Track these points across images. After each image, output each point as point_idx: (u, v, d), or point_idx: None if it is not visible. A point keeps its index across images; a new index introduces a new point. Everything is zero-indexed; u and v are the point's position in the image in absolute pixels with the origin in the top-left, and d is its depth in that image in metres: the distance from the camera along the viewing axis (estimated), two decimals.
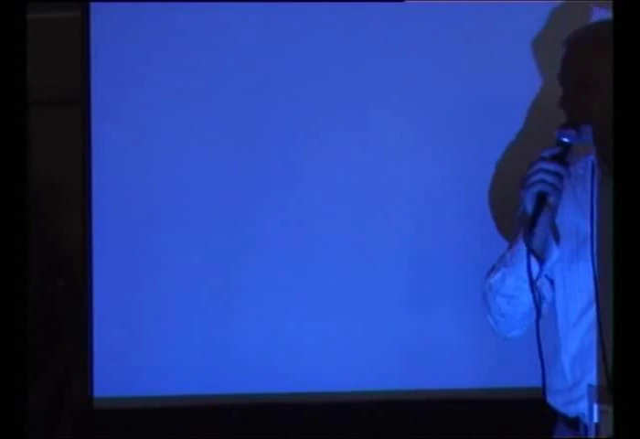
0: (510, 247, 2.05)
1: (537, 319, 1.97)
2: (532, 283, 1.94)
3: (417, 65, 2.66)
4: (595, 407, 1.86)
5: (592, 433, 1.84)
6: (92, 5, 2.68)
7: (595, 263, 1.95)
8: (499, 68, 2.64)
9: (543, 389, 2.01)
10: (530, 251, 1.96)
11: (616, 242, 1.66)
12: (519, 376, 2.61)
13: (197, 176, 2.68)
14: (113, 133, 2.68)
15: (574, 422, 1.99)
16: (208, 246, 2.67)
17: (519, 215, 2.02)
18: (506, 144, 2.64)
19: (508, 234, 2.45)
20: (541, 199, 1.93)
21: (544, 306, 2.08)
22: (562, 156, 1.95)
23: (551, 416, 2.06)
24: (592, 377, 1.96)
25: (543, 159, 1.94)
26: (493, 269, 2.10)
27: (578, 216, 2.02)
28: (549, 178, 1.92)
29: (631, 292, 1.60)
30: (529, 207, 1.95)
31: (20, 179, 1.69)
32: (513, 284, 2.02)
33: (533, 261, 1.97)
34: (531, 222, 1.94)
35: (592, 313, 1.93)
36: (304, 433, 2.62)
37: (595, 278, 1.93)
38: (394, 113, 2.67)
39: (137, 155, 2.68)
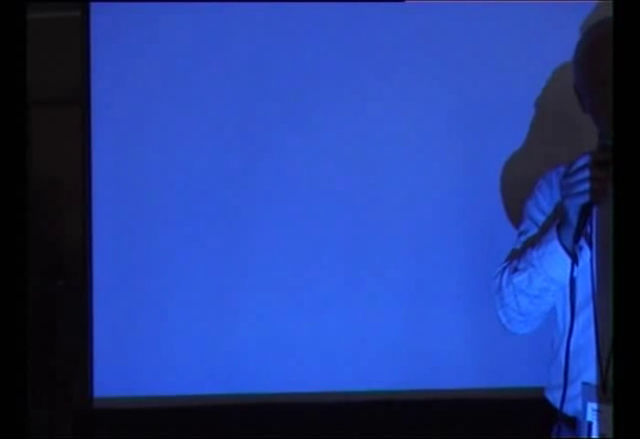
0: (533, 246, 2.00)
1: (570, 324, 1.90)
2: (573, 292, 1.88)
3: (417, 65, 2.66)
4: (589, 406, 1.86)
5: (584, 432, 1.83)
6: (92, 5, 2.69)
7: (594, 261, 1.94)
8: (499, 68, 2.64)
9: (563, 395, 1.95)
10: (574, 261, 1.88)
11: (616, 241, 1.66)
12: (519, 376, 2.61)
13: (197, 176, 2.68)
14: (113, 133, 2.68)
15: (572, 421, 1.99)
16: (207, 246, 2.67)
17: (558, 222, 1.96)
18: (507, 144, 2.63)
19: (509, 233, 2.45)
20: (587, 210, 1.85)
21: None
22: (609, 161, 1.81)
23: (552, 415, 2.05)
24: (587, 375, 1.95)
25: (591, 165, 1.83)
26: (511, 266, 2.04)
27: None
28: (599, 186, 1.82)
29: (630, 291, 1.60)
30: (574, 218, 1.87)
31: (20, 179, 1.69)
32: (540, 286, 1.99)
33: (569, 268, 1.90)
34: (577, 234, 1.86)
35: (590, 310, 1.92)
36: (304, 433, 2.62)
37: (593, 277, 1.92)
38: (394, 113, 2.67)
39: (137, 155, 2.68)
